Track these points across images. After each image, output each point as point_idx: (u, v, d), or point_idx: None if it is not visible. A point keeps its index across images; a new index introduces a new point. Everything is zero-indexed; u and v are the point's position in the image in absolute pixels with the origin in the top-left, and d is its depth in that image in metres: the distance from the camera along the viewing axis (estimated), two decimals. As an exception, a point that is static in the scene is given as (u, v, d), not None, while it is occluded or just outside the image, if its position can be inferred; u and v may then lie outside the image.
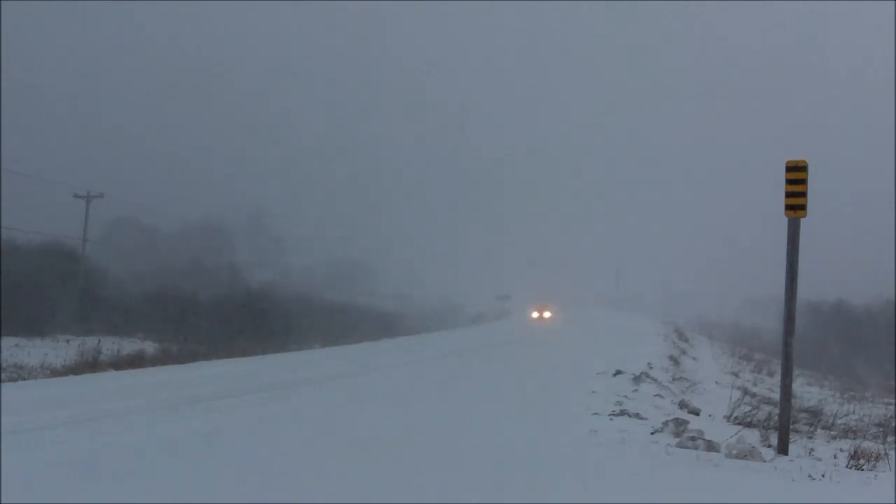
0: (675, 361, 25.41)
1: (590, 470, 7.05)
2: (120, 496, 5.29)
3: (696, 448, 8.34)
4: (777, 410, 9.88)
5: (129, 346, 25.34)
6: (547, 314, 56.65)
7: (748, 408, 12.95)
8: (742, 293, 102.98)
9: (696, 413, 12.42)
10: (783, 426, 9.08)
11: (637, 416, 10.83)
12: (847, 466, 8.45)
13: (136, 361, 19.32)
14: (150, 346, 26.33)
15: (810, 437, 10.97)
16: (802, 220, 9.04)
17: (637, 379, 16.10)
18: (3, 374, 16.03)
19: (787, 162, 9.09)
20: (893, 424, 14.41)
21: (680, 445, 8.52)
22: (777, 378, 17.10)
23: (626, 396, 13.17)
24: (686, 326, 56.70)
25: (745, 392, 17.46)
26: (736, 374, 26.86)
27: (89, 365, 17.84)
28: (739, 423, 11.23)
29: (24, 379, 15.21)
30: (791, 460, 8.38)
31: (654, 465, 7.33)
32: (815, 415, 14.53)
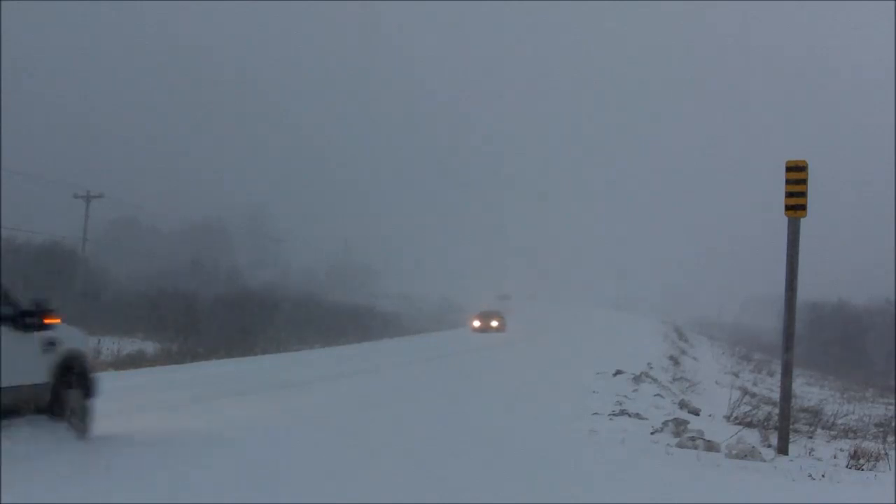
0: (675, 361, 25.43)
1: (590, 470, 7.05)
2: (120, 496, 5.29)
3: (696, 448, 8.34)
4: (777, 410, 9.88)
5: (129, 346, 25.33)
6: (494, 323, 43.86)
7: (748, 408, 12.96)
8: (742, 293, 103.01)
9: (696, 413, 12.42)
10: (783, 426, 9.09)
11: (637, 416, 10.83)
12: (847, 466, 8.45)
13: (136, 361, 19.35)
14: (150, 346, 26.33)
15: (810, 437, 10.96)
16: (802, 220, 9.04)
17: (637, 379, 16.10)
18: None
19: (787, 162, 9.09)
20: (893, 424, 14.41)
21: (680, 445, 8.52)
22: (777, 378, 17.10)
23: (626, 396, 13.17)
24: (686, 326, 56.73)
25: (745, 392, 17.46)
26: (736, 374, 26.88)
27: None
28: (739, 423, 11.23)
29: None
30: (791, 460, 8.38)
31: (654, 465, 7.33)
32: (815, 415, 14.54)
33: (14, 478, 5.30)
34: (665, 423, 9.71)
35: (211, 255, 56.26)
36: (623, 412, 11.05)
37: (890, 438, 11.83)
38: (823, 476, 7.54)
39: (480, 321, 43.85)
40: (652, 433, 9.38)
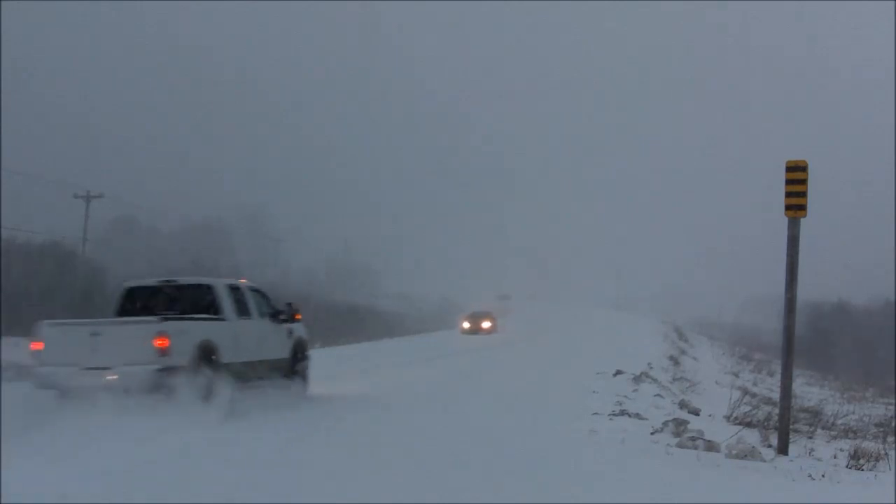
0: (675, 361, 25.42)
1: (590, 470, 7.05)
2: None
3: (696, 448, 8.33)
4: (777, 410, 9.88)
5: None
6: (486, 325, 40.15)
7: (748, 408, 12.95)
8: (742, 293, 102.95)
9: (696, 413, 12.42)
10: (783, 426, 9.09)
11: (637, 416, 10.83)
12: (847, 466, 8.46)
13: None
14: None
15: (810, 437, 10.96)
16: (802, 220, 9.04)
17: (637, 379, 16.09)
18: (3, 374, 16.03)
19: (787, 162, 9.10)
20: (893, 424, 14.41)
21: (680, 445, 8.52)
22: (777, 378, 17.11)
23: (626, 396, 13.17)
24: (686, 326, 56.70)
25: (745, 392, 17.45)
26: (736, 374, 26.88)
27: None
28: (739, 423, 11.23)
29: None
30: (791, 460, 8.38)
31: (654, 465, 7.33)
32: (815, 415, 14.53)
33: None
34: (665, 423, 9.71)
35: (211, 255, 56.19)
36: (623, 412, 11.04)
37: (890, 438, 11.83)
38: (823, 476, 7.54)
39: (470, 322, 40.59)
40: (652, 433, 9.38)
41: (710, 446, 8.41)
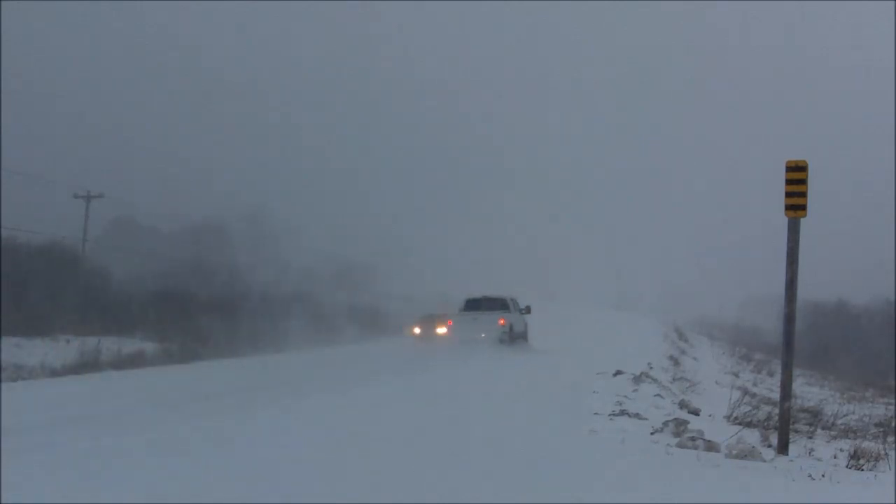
0: (675, 361, 25.42)
1: (589, 470, 7.05)
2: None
3: (696, 448, 8.34)
4: (777, 410, 9.89)
5: (130, 346, 25.36)
6: (442, 330, 30.50)
7: (748, 408, 12.95)
8: (742, 293, 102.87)
9: (696, 413, 12.42)
10: (783, 426, 9.09)
11: (637, 416, 10.83)
12: (847, 466, 8.46)
13: (136, 361, 19.37)
14: (150, 346, 26.35)
15: (810, 437, 10.96)
16: (802, 220, 9.05)
17: (637, 379, 16.08)
18: (3, 374, 16.05)
19: (787, 162, 9.10)
20: (893, 424, 14.41)
21: (680, 445, 8.52)
22: (777, 378, 17.08)
23: (626, 396, 13.16)
24: (686, 326, 56.68)
25: (745, 392, 17.45)
26: (736, 374, 26.88)
27: (90, 365, 17.89)
28: (739, 423, 11.23)
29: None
30: (791, 460, 8.38)
31: (654, 465, 7.34)
32: (815, 415, 14.52)
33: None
34: (665, 423, 9.71)
35: (211, 255, 56.18)
36: (623, 412, 11.04)
37: (890, 438, 11.82)
38: (823, 476, 7.54)
39: (422, 328, 32.01)
40: (652, 433, 9.38)
41: (710, 446, 8.41)
